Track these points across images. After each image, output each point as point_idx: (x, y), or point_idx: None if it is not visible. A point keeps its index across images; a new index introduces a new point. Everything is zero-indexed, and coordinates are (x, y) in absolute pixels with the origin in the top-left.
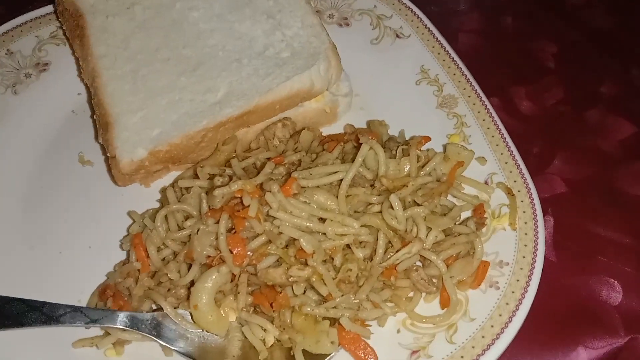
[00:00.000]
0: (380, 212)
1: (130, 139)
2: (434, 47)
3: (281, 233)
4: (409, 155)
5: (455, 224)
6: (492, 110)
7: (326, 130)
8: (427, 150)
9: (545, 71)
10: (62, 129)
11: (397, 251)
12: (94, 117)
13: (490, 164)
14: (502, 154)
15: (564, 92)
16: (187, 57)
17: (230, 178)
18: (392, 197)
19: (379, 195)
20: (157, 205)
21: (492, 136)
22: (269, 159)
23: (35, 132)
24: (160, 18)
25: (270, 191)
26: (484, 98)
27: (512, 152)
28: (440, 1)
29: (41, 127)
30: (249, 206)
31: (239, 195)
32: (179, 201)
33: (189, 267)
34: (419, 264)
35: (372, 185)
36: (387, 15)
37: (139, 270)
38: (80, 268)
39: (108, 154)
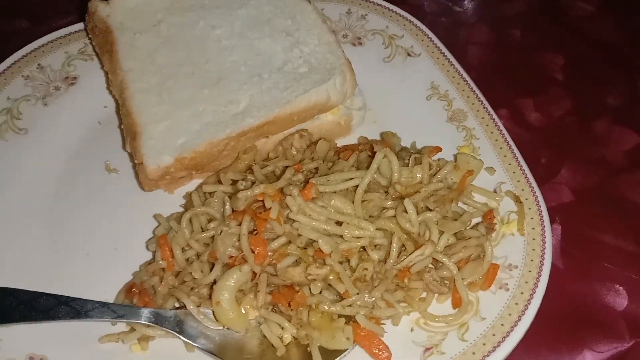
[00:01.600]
0: (395, 216)
1: (157, 147)
2: (443, 64)
3: (300, 235)
4: (421, 163)
5: (465, 228)
6: (499, 123)
7: (340, 142)
8: (439, 159)
9: (552, 83)
10: (89, 139)
11: (410, 254)
12: (121, 126)
13: (498, 174)
14: (510, 164)
15: (571, 103)
16: (209, 72)
17: (253, 183)
18: (406, 202)
19: (393, 200)
20: (181, 209)
21: (500, 148)
22: (287, 166)
23: (64, 142)
24: (184, 35)
25: (290, 195)
26: (492, 112)
27: (519, 162)
28: (450, 14)
29: (69, 137)
30: (270, 209)
31: (261, 199)
32: (203, 205)
33: (212, 267)
34: (431, 266)
35: (386, 192)
36: (398, 35)
37: (163, 269)
38: (107, 268)
39: (135, 161)
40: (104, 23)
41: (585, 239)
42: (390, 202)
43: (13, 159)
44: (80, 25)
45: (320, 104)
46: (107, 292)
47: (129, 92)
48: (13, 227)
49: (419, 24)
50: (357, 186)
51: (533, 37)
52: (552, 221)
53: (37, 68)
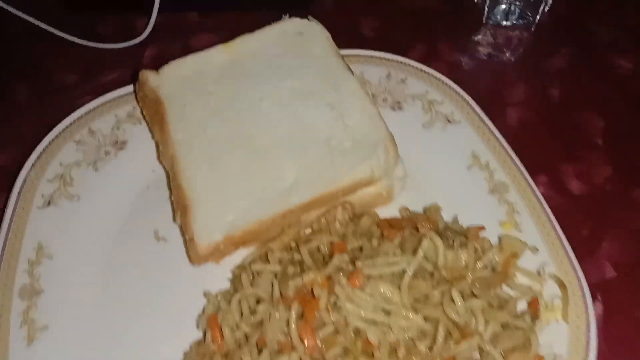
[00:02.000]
0: (441, 303)
1: (207, 224)
2: (484, 133)
3: (348, 323)
4: (466, 247)
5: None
6: (542, 199)
7: (381, 211)
8: (482, 239)
9: (593, 147)
10: (138, 204)
11: (456, 342)
12: (171, 198)
13: (541, 253)
14: (553, 243)
15: (612, 170)
16: (257, 145)
17: (301, 265)
18: (454, 293)
19: (438, 284)
20: (227, 281)
21: (544, 225)
22: (331, 243)
23: (114, 208)
24: (234, 106)
25: (339, 283)
26: (534, 185)
27: (562, 242)
28: (487, 71)
29: (119, 202)
30: (319, 297)
31: (310, 286)
32: (252, 284)
33: (260, 350)
34: (476, 355)
35: (431, 274)
36: (438, 100)
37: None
38: (158, 345)
39: (186, 237)
40: (154, 93)
41: (629, 317)
42: (437, 291)
43: (66, 226)
44: (128, 88)
45: (364, 181)
46: None
47: (179, 166)
48: (65, 295)
49: (458, 89)
50: (403, 270)
51: (573, 96)
52: (593, 298)
53: (87, 132)
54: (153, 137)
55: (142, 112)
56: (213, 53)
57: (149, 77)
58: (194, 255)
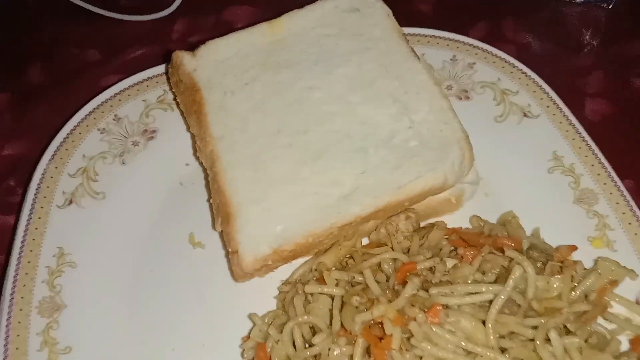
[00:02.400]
0: (531, 340)
1: (254, 235)
2: (567, 131)
3: None
4: (560, 273)
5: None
6: (638, 212)
7: (448, 219)
8: (574, 262)
9: None
10: (170, 203)
11: None
12: (210, 201)
13: None
14: None
15: None
16: (308, 143)
17: (364, 290)
18: (552, 335)
19: (526, 317)
20: (273, 298)
21: None
22: (394, 259)
23: (142, 208)
24: (280, 97)
25: (414, 319)
26: (629, 197)
27: None
28: (559, 54)
29: (149, 202)
30: (389, 335)
31: (380, 321)
32: (305, 309)
33: None
34: None
35: (518, 305)
36: (512, 90)
37: None
38: None
39: (229, 249)
40: (190, 78)
41: None
42: (530, 331)
43: (90, 229)
44: (158, 69)
45: (435, 189)
46: None
47: (220, 166)
48: (90, 310)
49: (537, 78)
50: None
51: None
52: None
53: (113, 119)
54: (188, 129)
55: (175, 99)
56: (256, 33)
57: (184, 59)
58: (237, 271)
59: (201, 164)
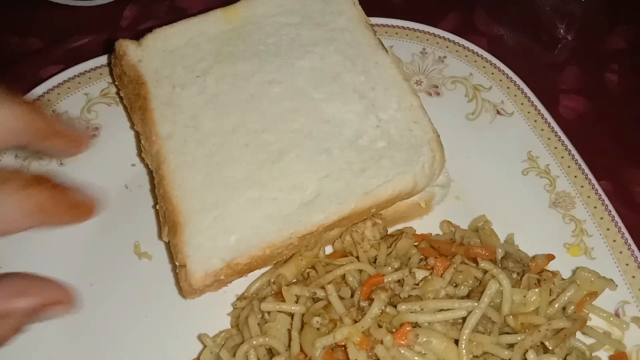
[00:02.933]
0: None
1: (204, 247)
2: (542, 130)
3: None
4: (538, 286)
5: None
6: (617, 217)
7: (417, 224)
8: (553, 274)
9: None
10: (113, 209)
11: None
12: (157, 207)
13: (620, 289)
14: (634, 277)
15: None
16: (267, 144)
17: (325, 308)
18: (530, 357)
19: (501, 333)
20: (227, 316)
21: (620, 252)
22: (360, 270)
23: None
24: (236, 92)
25: (381, 342)
26: (607, 200)
27: None
28: (530, 49)
29: None
30: None
31: (343, 344)
32: (261, 330)
33: None
34: None
35: (492, 322)
36: (485, 86)
37: None
38: None
39: (176, 262)
40: (134, 70)
41: None
42: (507, 352)
43: (19, 236)
44: (102, 59)
45: (404, 194)
46: None
47: (167, 168)
48: (28, 333)
49: (511, 74)
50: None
51: (634, 83)
52: None
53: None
54: (132, 127)
55: (118, 93)
56: (209, 20)
57: (129, 49)
58: (186, 287)
59: (147, 165)
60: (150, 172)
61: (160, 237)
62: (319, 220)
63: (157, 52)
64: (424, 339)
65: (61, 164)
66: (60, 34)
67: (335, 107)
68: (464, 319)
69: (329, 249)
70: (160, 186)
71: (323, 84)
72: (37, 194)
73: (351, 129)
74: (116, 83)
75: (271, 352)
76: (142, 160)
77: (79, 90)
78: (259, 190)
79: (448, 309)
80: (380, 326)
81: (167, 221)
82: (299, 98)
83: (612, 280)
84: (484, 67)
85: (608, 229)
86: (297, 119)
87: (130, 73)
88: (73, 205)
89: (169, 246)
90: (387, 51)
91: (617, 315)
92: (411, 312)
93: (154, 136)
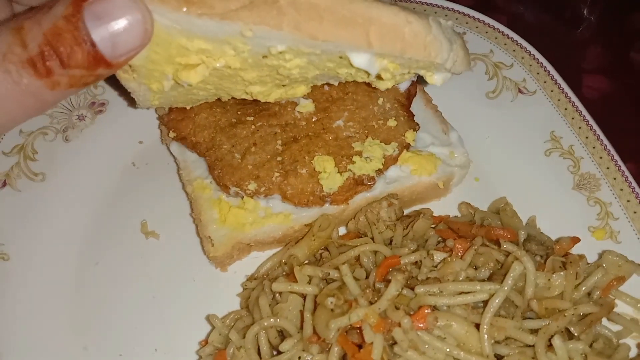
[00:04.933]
0: (530, 345)
1: None
2: (566, 109)
3: None
4: (563, 268)
5: None
6: None
7: (435, 206)
8: (580, 257)
9: None
10: (120, 186)
11: None
12: (189, 187)
13: None
14: None
15: None
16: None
17: (340, 288)
18: (556, 343)
19: (524, 318)
20: (234, 294)
21: None
22: (375, 252)
23: (88, 191)
24: None
25: (399, 325)
26: (634, 183)
27: None
28: (554, 29)
29: (95, 184)
30: (370, 343)
31: (358, 326)
32: (273, 311)
33: None
34: None
35: (516, 306)
36: (506, 63)
37: None
38: None
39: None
40: None
41: None
42: (531, 337)
43: (26, 215)
44: None
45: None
46: None
47: None
48: (24, 311)
49: (533, 51)
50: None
51: None
52: None
53: None
54: (158, 111)
55: None
56: None
57: None
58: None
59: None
60: (162, 150)
61: (192, 214)
62: None
63: None
64: (444, 323)
65: (67, 139)
66: None
67: None
68: (485, 302)
69: (342, 231)
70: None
71: None
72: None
73: None
74: None
75: (282, 334)
76: (166, 144)
77: None
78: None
79: (469, 292)
80: (397, 308)
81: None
82: None
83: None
84: (505, 44)
85: (635, 212)
86: None
87: None
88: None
89: (181, 225)
90: None
91: None
92: (430, 295)
93: None
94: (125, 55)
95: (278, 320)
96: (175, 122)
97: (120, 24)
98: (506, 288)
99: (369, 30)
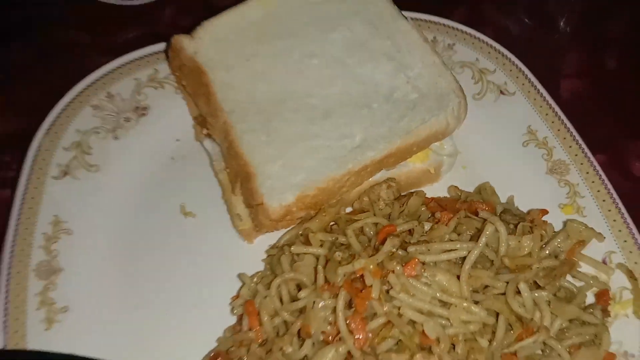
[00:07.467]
0: (502, 294)
1: (276, 187)
2: (541, 107)
3: (402, 315)
4: (531, 232)
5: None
6: (607, 181)
7: (427, 190)
8: (545, 223)
9: None
10: (162, 176)
11: (519, 339)
12: (227, 170)
13: (607, 242)
14: (620, 230)
15: None
16: (314, 106)
17: (347, 249)
18: (522, 287)
19: (498, 273)
20: (261, 262)
21: (609, 210)
22: (380, 226)
23: (135, 180)
24: (281, 67)
25: (393, 272)
26: (598, 167)
27: (631, 229)
28: (536, 37)
29: (141, 175)
30: (370, 286)
31: (360, 274)
32: (292, 268)
33: (302, 340)
34: (539, 351)
35: (491, 262)
36: (489, 69)
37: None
38: (186, 329)
39: (254, 203)
40: (192, 62)
41: None
42: (500, 283)
43: (84, 199)
44: (149, 49)
45: (439, 133)
46: (190, 354)
47: (235, 134)
48: (86, 274)
49: (512, 57)
50: (461, 258)
51: (632, 66)
52: None
53: (106, 97)
54: (192, 113)
55: (178, 82)
56: (249, 8)
57: (184, 43)
58: (264, 222)
59: (215, 141)
60: (196, 146)
61: (223, 197)
62: (371, 156)
63: (209, 42)
64: (430, 274)
65: (116, 137)
66: (106, 29)
67: (368, 69)
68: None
69: (348, 210)
70: (230, 149)
71: (354, 51)
72: None
73: (385, 87)
74: (176, 73)
75: (299, 288)
76: (209, 136)
77: (129, 75)
78: (315, 140)
79: (451, 250)
80: (392, 260)
81: (239, 175)
82: (335, 66)
83: (600, 232)
84: (489, 53)
85: (599, 191)
86: (336, 83)
87: (189, 64)
88: None
89: (214, 206)
90: (406, 18)
91: (604, 263)
92: (420, 253)
93: (219, 112)
94: None
95: (296, 274)
96: (207, 121)
97: None
98: (480, 244)
99: None
